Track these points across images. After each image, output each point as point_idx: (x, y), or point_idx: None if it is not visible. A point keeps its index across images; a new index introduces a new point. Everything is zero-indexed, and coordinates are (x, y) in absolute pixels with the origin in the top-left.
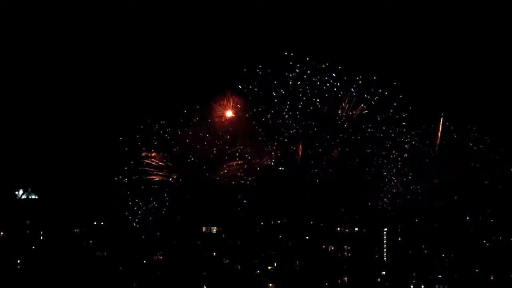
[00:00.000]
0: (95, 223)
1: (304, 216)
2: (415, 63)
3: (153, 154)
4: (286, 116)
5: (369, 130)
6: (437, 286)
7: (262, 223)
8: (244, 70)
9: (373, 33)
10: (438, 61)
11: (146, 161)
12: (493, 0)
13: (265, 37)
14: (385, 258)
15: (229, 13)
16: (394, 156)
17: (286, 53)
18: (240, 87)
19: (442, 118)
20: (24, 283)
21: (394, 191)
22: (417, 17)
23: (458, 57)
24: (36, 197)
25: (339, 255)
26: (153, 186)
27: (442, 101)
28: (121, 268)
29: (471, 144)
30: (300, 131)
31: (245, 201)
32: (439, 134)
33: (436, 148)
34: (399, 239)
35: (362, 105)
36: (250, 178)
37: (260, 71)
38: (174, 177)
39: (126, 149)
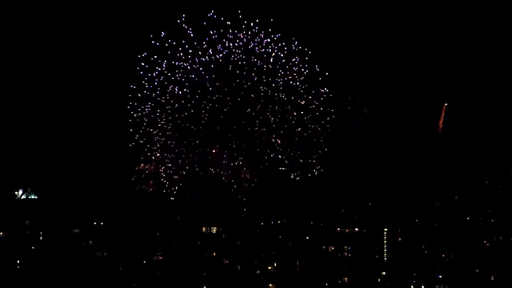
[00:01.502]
0: (95, 223)
1: (304, 216)
2: (415, 63)
3: (149, 166)
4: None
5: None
6: (437, 286)
7: (262, 223)
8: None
9: (373, 33)
10: (439, 60)
11: (144, 170)
12: (493, 1)
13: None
14: (385, 258)
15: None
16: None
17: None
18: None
19: (443, 115)
20: (24, 283)
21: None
22: (417, 17)
23: (459, 57)
24: (36, 197)
25: (339, 255)
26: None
27: (442, 102)
28: (121, 268)
29: (471, 143)
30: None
31: (245, 201)
32: (440, 128)
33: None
34: (399, 239)
35: (365, 109)
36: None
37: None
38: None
39: (126, 149)
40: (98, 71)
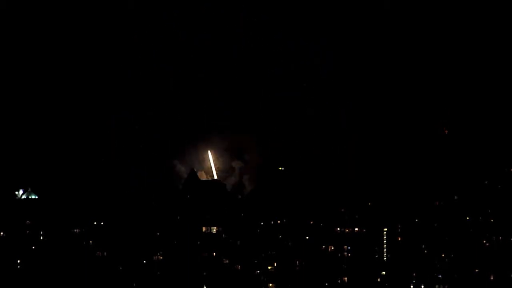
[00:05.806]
0: (95, 223)
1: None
2: (416, 64)
3: None
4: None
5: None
6: (437, 286)
7: (262, 223)
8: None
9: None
10: (439, 61)
11: None
12: (493, 2)
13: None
14: (385, 258)
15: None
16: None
17: None
18: None
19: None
20: (24, 283)
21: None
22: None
23: (458, 57)
24: (36, 197)
25: (339, 255)
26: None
27: (442, 103)
28: (121, 268)
29: (471, 143)
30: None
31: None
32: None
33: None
34: (399, 239)
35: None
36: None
37: None
38: None
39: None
40: (98, 70)
